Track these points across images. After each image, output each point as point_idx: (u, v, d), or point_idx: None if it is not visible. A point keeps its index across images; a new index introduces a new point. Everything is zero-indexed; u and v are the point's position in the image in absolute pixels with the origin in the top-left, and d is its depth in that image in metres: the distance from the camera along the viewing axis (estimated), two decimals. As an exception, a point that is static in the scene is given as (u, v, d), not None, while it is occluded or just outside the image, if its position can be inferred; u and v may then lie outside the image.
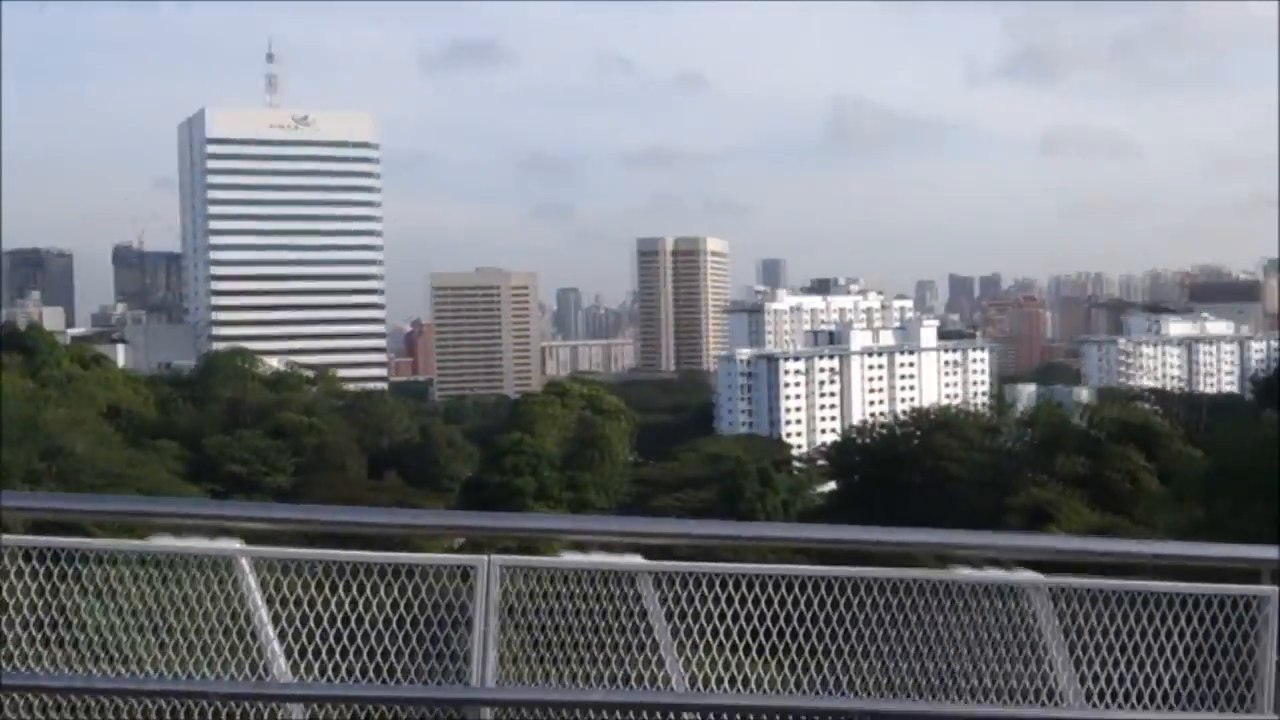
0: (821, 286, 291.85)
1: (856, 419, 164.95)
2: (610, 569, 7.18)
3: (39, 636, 6.90)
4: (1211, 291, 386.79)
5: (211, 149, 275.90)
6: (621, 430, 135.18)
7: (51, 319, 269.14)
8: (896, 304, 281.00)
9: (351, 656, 7.05)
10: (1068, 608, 7.43)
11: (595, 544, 7.33)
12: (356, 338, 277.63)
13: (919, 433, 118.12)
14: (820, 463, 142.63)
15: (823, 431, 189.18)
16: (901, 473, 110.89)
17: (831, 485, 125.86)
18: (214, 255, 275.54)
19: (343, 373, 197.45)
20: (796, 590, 7.26)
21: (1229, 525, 42.66)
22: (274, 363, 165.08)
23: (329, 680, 7.00)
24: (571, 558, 7.22)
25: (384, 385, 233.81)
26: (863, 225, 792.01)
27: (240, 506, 7.62)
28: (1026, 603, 7.43)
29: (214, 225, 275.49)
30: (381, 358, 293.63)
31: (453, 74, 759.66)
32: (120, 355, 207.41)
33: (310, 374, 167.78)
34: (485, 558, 7.05)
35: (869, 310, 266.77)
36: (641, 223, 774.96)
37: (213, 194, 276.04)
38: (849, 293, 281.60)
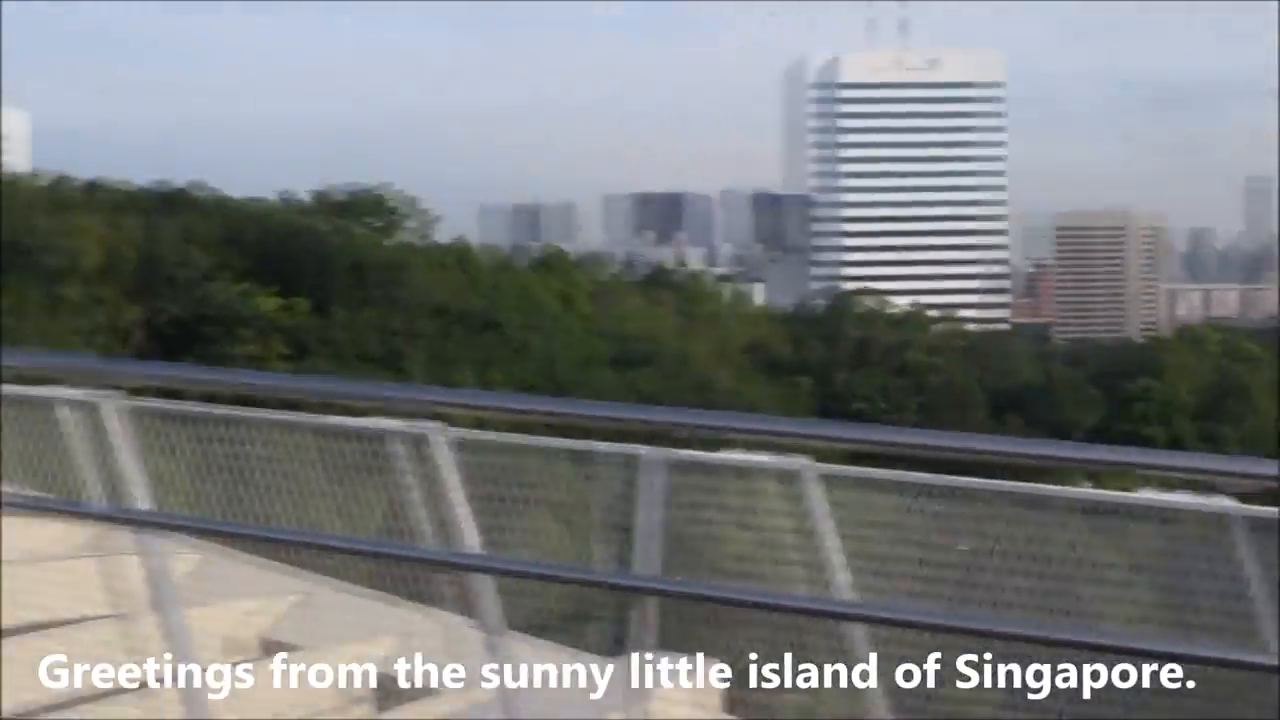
0: None
1: None
2: (777, 469, 7.08)
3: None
4: None
5: (843, 94, 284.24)
6: (1266, 381, 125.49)
7: (695, 259, 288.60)
8: None
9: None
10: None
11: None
12: (978, 279, 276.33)
13: None
14: None
15: None
16: None
17: None
18: (845, 198, 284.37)
19: (963, 313, 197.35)
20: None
21: None
22: (899, 303, 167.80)
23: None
24: (735, 454, 7.01)
25: (1006, 327, 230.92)
26: None
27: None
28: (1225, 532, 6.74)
29: (844, 169, 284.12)
30: (1005, 299, 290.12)
31: (1075, 4, 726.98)
32: (757, 294, 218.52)
33: (934, 315, 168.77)
34: (647, 449, 6.97)
35: None
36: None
37: (843, 138, 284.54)
38: None
